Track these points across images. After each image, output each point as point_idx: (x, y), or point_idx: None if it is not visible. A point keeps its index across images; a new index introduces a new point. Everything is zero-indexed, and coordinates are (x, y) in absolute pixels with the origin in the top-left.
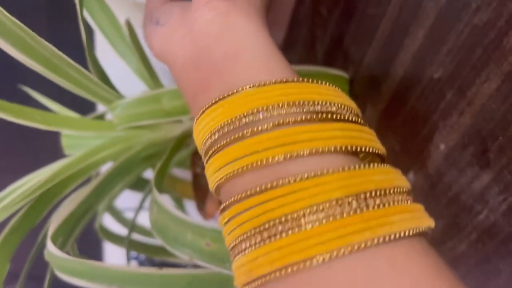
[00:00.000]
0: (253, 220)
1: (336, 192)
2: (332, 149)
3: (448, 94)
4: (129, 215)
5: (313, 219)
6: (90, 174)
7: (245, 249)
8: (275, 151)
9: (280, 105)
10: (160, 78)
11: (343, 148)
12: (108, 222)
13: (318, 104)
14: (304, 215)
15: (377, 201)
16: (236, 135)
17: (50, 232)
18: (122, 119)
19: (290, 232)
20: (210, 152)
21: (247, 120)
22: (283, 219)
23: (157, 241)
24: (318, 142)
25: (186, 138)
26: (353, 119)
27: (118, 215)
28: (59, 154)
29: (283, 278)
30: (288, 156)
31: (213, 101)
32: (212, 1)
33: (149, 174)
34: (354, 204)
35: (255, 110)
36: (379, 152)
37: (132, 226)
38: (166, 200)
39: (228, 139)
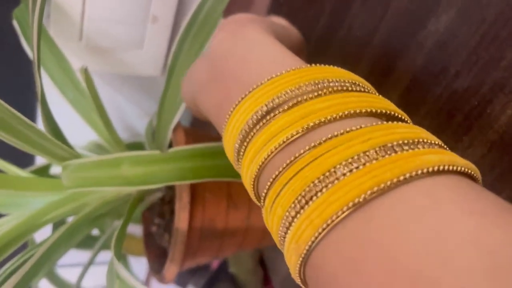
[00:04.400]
0: (292, 191)
1: (362, 145)
2: (352, 112)
3: None
4: (63, 271)
5: (345, 171)
6: (29, 237)
7: (291, 224)
8: (295, 126)
9: (297, 86)
10: (118, 132)
11: (362, 111)
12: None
13: (331, 81)
14: (335, 171)
15: (405, 148)
16: (262, 123)
17: None
18: (74, 182)
19: (324, 190)
20: (244, 144)
21: (268, 108)
22: (316, 181)
23: None
24: (336, 108)
25: (143, 196)
26: (368, 91)
27: (57, 280)
28: None
29: (328, 237)
30: (310, 126)
31: (235, 104)
32: (223, 25)
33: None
34: (382, 152)
35: (275, 97)
36: (400, 116)
37: None
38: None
39: (255, 131)
